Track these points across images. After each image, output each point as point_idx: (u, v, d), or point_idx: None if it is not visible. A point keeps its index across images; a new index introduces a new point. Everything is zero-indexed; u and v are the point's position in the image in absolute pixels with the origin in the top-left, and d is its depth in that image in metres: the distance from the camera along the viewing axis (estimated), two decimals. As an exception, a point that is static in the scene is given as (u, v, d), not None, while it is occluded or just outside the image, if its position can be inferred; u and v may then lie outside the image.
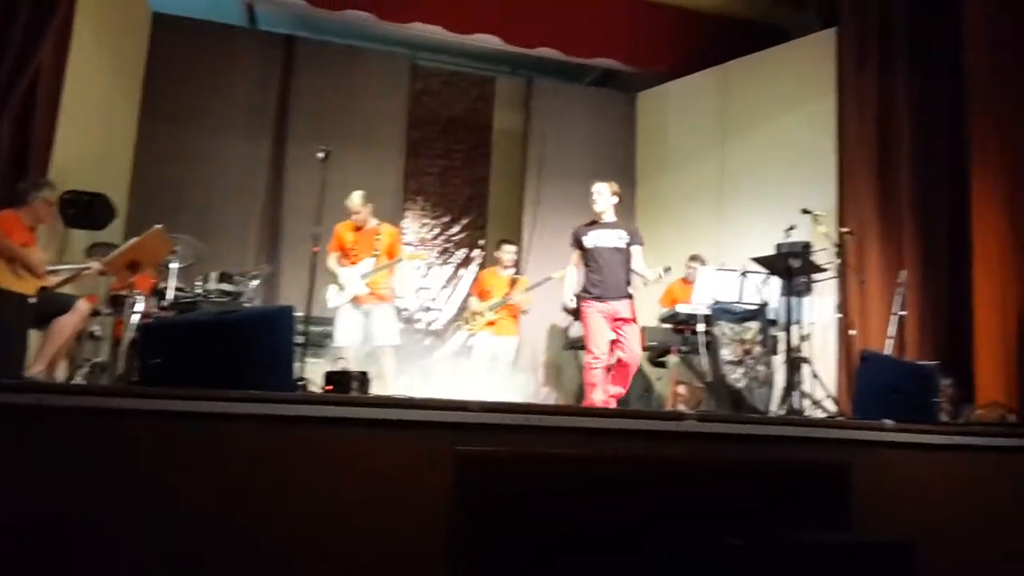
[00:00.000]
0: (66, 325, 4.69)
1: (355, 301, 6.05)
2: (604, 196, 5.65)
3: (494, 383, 6.66)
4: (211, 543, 2.51)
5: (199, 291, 5.87)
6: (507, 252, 7.34)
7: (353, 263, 6.12)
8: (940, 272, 6.56)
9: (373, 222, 6.27)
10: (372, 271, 6.08)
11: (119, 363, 5.09)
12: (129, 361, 4.78)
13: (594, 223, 5.70)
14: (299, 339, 5.10)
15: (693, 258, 7.26)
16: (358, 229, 6.20)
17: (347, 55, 8.70)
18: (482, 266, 8.59)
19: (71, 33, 5.65)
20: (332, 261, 6.18)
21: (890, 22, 7.03)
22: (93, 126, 6.67)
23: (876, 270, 6.72)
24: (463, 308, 7.58)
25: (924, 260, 6.58)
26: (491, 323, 6.93)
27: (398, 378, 6.18)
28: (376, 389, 5.13)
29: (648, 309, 6.83)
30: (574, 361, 7.54)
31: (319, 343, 6.29)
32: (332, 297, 6.13)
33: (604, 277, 5.52)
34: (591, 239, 5.63)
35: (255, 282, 6.39)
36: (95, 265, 5.07)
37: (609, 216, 5.68)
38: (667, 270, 5.72)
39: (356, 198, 6.18)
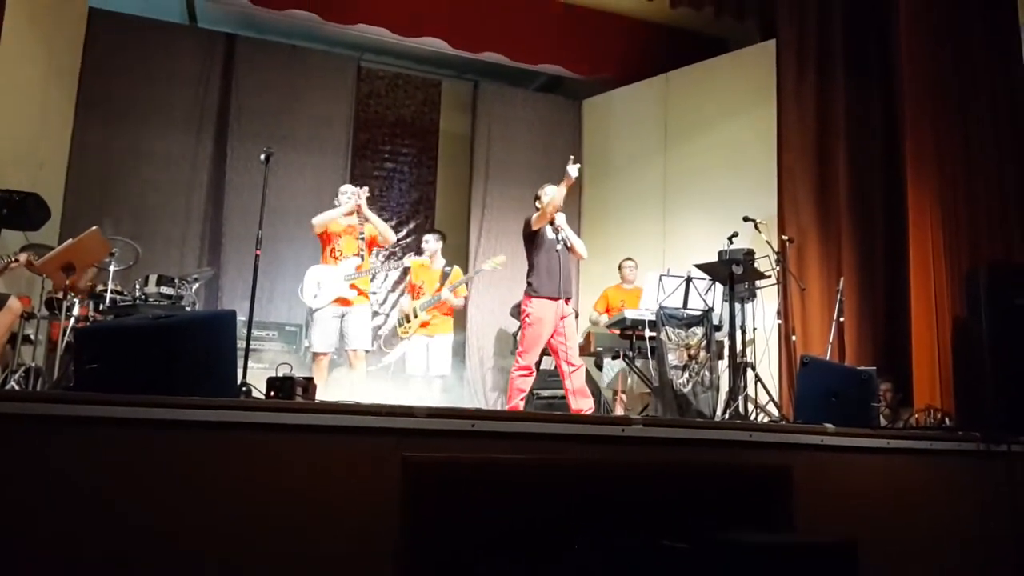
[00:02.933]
0: (-2, 322, 4.54)
1: (337, 303, 5.71)
2: None
3: (437, 386, 6.54)
4: (148, 554, 2.44)
5: (138, 294, 5.74)
6: (426, 242, 6.90)
7: (336, 261, 5.79)
8: (878, 278, 6.73)
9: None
10: (357, 274, 5.77)
11: (54, 368, 4.94)
12: (64, 366, 4.65)
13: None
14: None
15: (627, 260, 7.45)
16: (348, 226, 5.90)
17: (291, 55, 8.57)
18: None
19: (0, 24, 5.43)
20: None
21: (827, 33, 7.19)
22: (26, 122, 6.45)
23: (816, 276, 6.85)
24: (394, 308, 7.20)
25: (862, 266, 6.74)
26: (424, 324, 6.58)
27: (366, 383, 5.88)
28: (346, 393, 5.01)
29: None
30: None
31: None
32: (314, 299, 5.72)
33: None
34: None
35: (196, 285, 6.27)
36: (22, 257, 4.88)
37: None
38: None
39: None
